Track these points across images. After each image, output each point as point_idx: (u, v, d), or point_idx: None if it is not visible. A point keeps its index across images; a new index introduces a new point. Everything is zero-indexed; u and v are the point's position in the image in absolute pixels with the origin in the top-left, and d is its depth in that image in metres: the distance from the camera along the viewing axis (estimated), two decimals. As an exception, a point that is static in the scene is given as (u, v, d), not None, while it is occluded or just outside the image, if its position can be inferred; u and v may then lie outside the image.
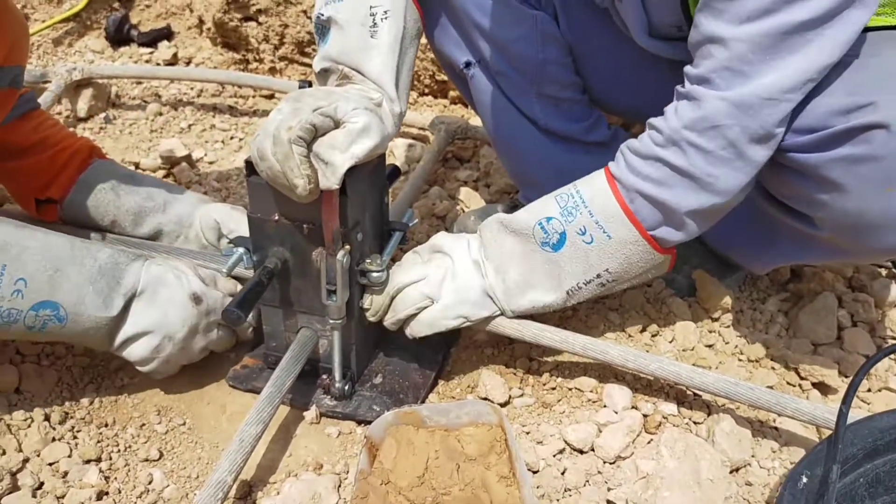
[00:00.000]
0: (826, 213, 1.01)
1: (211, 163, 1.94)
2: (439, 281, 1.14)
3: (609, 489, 1.06)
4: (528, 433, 1.16)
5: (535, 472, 1.09)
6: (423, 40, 1.32)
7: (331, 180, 0.96)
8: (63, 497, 1.05)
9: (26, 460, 1.10)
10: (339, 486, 1.08)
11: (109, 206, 1.35)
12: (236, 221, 1.34)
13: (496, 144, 1.49)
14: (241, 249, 1.13)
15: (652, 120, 1.04)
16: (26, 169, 1.36)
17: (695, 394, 1.21)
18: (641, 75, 1.29)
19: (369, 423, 1.12)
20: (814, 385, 1.27)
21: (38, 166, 1.35)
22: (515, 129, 1.40)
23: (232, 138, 2.05)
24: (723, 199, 1.02)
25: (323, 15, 1.11)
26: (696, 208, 1.03)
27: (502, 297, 1.14)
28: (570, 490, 1.07)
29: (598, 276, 1.10)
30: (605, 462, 1.10)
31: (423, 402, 1.21)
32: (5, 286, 1.01)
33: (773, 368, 1.30)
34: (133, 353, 1.15)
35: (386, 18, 1.08)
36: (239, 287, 1.26)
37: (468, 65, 1.38)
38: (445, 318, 1.14)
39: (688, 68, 1.00)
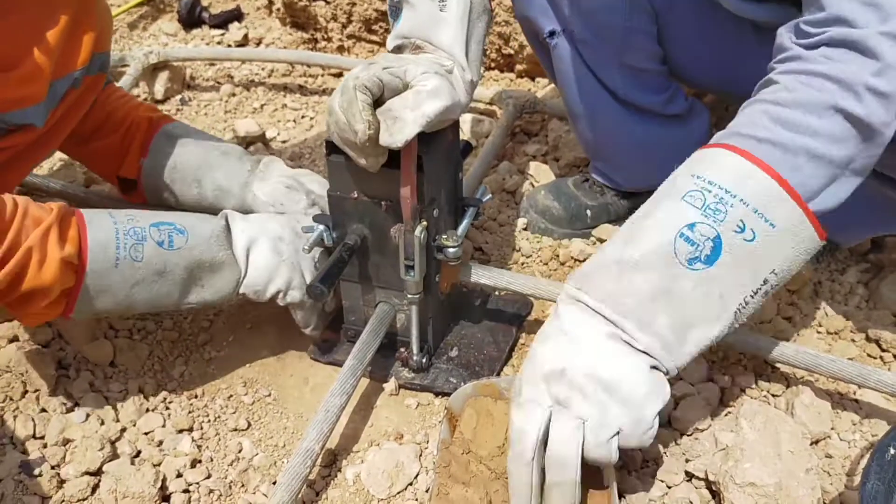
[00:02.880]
0: None
1: (284, 142, 1.98)
2: (589, 410, 0.86)
3: (687, 460, 1.07)
4: (603, 405, 1.17)
5: (612, 444, 1.10)
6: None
7: (396, 137, 0.96)
8: (160, 464, 1.10)
9: (123, 430, 1.16)
10: (421, 455, 1.11)
11: (178, 206, 1.40)
12: (285, 199, 1.34)
13: (572, 115, 1.49)
14: (321, 227, 1.16)
15: (788, 69, 0.89)
16: (98, 151, 1.42)
17: (772, 367, 1.21)
18: (726, 46, 1.22)
19: (447, 394, 1.14)
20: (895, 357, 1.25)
21: (109, 149, 1.40)
22: (594, 100, 1.39)
23: (303, 117, 2.09)
24: (882, 146, 0.88)
25: None
26: (861, 166, 0.88)
27: (663, 355, 0.88)
28: (648, 461, 1.08)
29: (765, 281, 0.89)
30: (682, 434, 1.11)
31: (498, 374, 1.23)
32: (118, 216, 1.07)
33: (853, 341, 1.28)
34: (259, 265, 1.15)
35: None
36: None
37: (552, 34, 1.36)
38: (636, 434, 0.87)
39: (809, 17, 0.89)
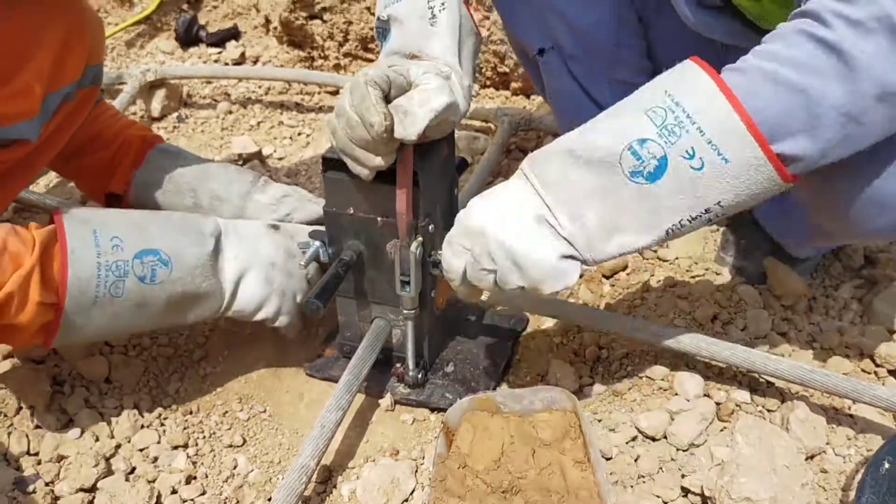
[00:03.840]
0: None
1: (280, 159, 1.99)
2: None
3: (683, 476, 1.06)
4: (599, 421, 1.17)
5: (608, 459, 1.10)
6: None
7: (409, 130, 0.97)
8: (154, 481, 1.10)
9: (118, 446, 1.16)
10: (416, 471, 1.11)
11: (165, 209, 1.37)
12: (282, 208, 1.35)
13: (562, 129, 1.49)
14: (317, 243, 1.17)
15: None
16: (88, 168, 1.41)
17: (768, 382, 1.21)
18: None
19: (443, 410, 1.14)
20: (889, 372, 1.25)
21: (99, 164, 1.39)
22: (584, 114, 1.39)
23: (300, 134, 2.10)
24: (873, 89, 0.79)
25: (383, 16, 1.14)
26: (842, 104, 0.80)
27: (583, 245, 0.91)
28: (643, 476, 1.08)
29: (708, 210, 0.87)
30: (678, 449, 1.11)
31: (494, 389, 1.23)
32: (103, 242, 1.03)
33: (847, 356, 1.28)
34: (248, 295, 1.15)
35: (444, 10, 1.10)
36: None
37: (542, 51, 1.37)
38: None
39: None
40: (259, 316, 1.17)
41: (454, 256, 0.97)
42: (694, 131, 0.83)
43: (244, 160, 1.90)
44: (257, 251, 1.17)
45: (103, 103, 1.48)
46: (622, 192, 0.88)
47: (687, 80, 0.86)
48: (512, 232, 0.92)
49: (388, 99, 1.00)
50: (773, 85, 0.81)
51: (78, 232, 1.03)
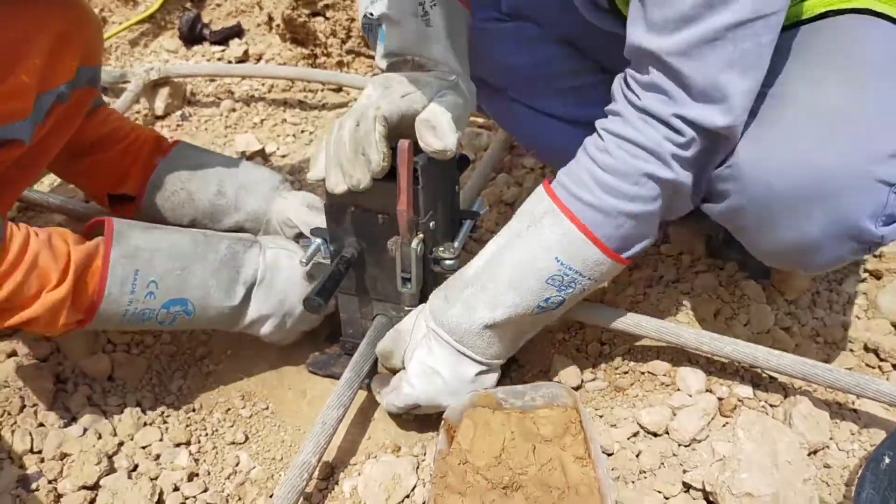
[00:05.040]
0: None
1: (283, 156, 1.99)
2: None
3: (685, 471, 1.06)
4: (601, 416, 1.17)
5: (609, 455, 1.10)
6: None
7: (447, 140, 1.01)
8: (156, 478, 1.10)
9: (121, 444, 1.16)
10: (418, 467, 1.11)
11: (186, 209, 1.38)
12: (310, 217, 1.34)
13: (536, 153, 1.52)
14: (318, 240, 1.17)
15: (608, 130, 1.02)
16: (97, 164, 1.41)
17: (770, 377, 1.20)
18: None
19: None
20: (894, 366, 1.25)
21: (110, 162, 1.40)
22: (541, 131, 1.40)
23: (303, 132, 2.10)
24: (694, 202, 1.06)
25: (372, 14, 1.13)
26: (677, 209, 1.06)
27: (494, 364, 1.12)
28: (645, 472, 1.08)
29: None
30: (680, 445, 1.11)
31: (495, 386, 1.22)
32: (139, 290, 1.07)
33: (851, 350, 1.28)
34: (258, 331, 1.22)
35: (434, 5, 1.10)
36: None
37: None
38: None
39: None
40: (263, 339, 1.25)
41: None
42: (584, 280, 1.05)
43: (247, 158, 1.91)
44: (282, 303, 1.21)
45: (108, 107, 1.48)
46: (526, 321, 1.09)
47: (574, 246, 1.02)
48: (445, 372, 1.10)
49: (395, 129, 1.02)
50: (627, 219, 1.01)
51: (120, 271, 1.06)
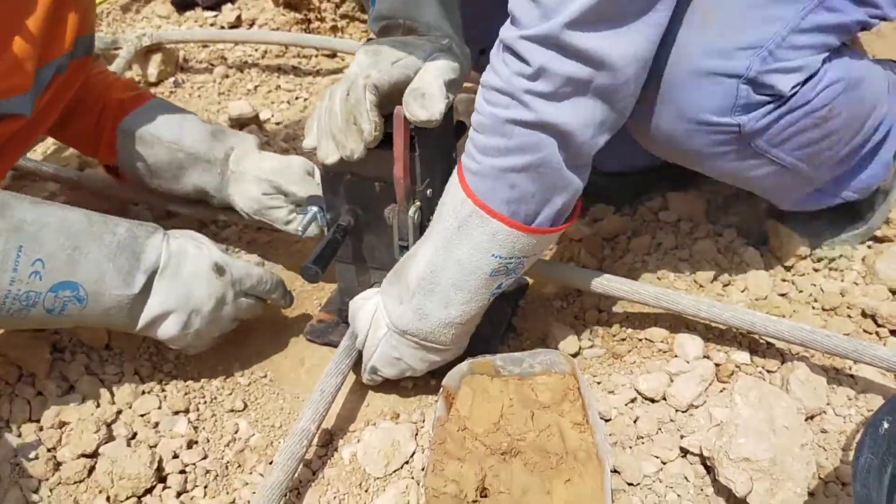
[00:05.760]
0: None
1: (278, 123, 1.97)
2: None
3: (682, 436, 1.07)
4: (599, 383, 1.18)
5: (607, 421, 1.11)
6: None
7: (433, 110, 0.98)
8: (156, 446, 1.10)
9: (119, 412, 1.16)
10: (417, 434, 1.11)
11: (162, 172, 1.35)
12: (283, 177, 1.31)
13: None
14: (314, 208, 1.16)
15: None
16: (77, 136, 1.40)
17: (768, 343, 1.21)
18: None
19: (442, 374, 1.14)
20: (891, 332, 1.25)
21: (86, 133, 1.38)
22: None
23: (297, 98, 2.08)
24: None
25: None
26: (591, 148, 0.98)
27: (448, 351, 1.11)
28: (642, 437, 1.08)
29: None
30: (677, 410, 1.11)
31: (493, 353, 1.22)
32: (22, 268, 0.97)
33: (849, 316, 1.28)
34: (162, 332, 1.12)
35: None
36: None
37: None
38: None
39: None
40: (170, 346, 1.17)
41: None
42: (528, 259, 1.02)
43: (241, 125, 1.89)
44: (188, 297, 1.11)
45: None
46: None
47: (508, 240, 0.98)
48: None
49: (386, 97, 1.00)
50: (516, 174, 0.94)
51: (1, 244, 0.97)
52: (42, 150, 1.80)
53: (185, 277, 1.10)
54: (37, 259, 0.98)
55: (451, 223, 1.00)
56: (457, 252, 0.99)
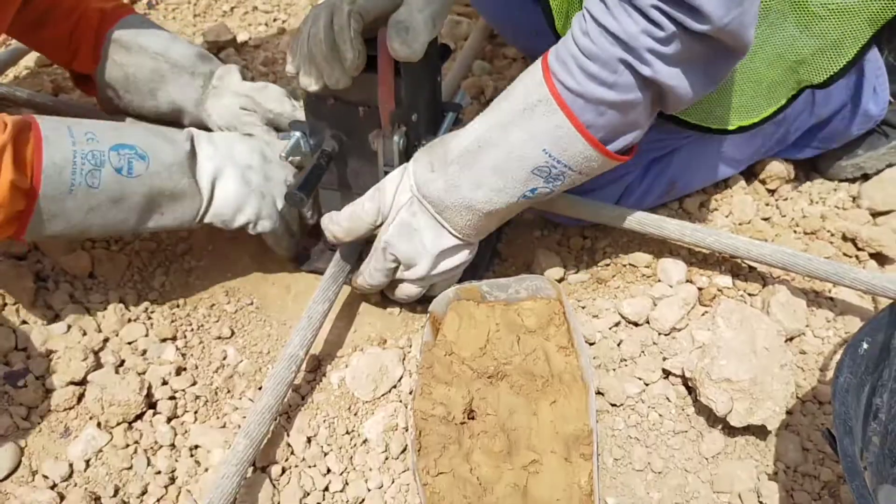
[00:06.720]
0: None
1: (255, 46, 1.92)
2: None
3: (665, 359, 1.09)
4: (583, 308, 1.19)
5: (591, 344, 1.13)
6: None
7: (415, 46, 0.96)
8: (144, 373, 1.11)
9: (106, 340, 1.16)
10: (404, 359, 1.12)
11: (140, 83, 1.34)
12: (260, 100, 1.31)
13: (513, 42, 1.53)
14: (297, 133, 1.14)
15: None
16: (51, 41, 1.35)
17: (750, 267, 1.22)
18: None
19: (428, 300, 1.15)
20: (871, 256, 1.27)
21: (62, 38, 1.34)
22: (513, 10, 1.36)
23: (275, 20, 2.02)
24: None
25: None
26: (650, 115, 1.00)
27: (470, 240, 1.09)
28: (626, 360, 1.10)
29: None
30: (660, 333, 1.13)
31: (479, 279, 1.23)
32: (77, 134, 1.00)
33: (830, 242, 1.30)
34: (225, 194, 1.12)
35: None
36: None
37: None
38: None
39: None
40: (240, 220, 1.13)
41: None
42: (571, 173, 1.00)
43: (219, 48, 1.84)
44: (232, 154, 1.13)
45: None
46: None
47: (564, 139, 0.97)
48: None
49: (374, 22, 0.97)
50: (608, 107, 0.94)
51: (51, 124, 1.00)
52: (14, 74, 1.75)
53: (219, 142, 1.14)
54: (87, 132, 1.02)
55: (517, 105, 0.98)
56: (511, 134, 0.99)
